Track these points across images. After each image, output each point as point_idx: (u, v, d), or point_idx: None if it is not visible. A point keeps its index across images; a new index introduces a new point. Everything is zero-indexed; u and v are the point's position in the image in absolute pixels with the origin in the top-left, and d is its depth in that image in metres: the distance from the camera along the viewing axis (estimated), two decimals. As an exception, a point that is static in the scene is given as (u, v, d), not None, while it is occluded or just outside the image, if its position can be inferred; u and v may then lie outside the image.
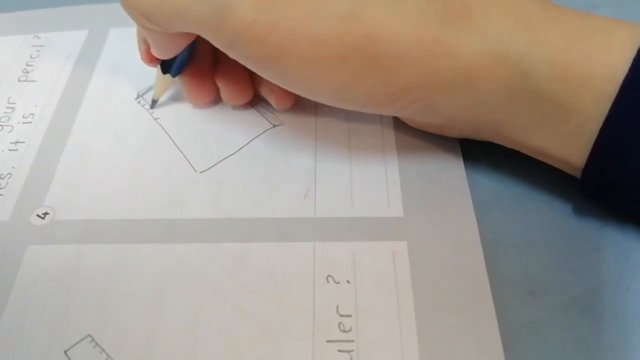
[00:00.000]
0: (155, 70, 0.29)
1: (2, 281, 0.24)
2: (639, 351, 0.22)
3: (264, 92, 0.29)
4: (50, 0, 0.37)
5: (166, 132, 0.30)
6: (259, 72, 0.24)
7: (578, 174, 0.23)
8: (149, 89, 0.32)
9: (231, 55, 0.24)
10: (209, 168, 0.28)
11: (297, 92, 0.25)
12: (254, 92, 0.29)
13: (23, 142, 0.30)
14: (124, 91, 0.32)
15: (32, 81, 0.33)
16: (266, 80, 0.27)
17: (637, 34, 0.21)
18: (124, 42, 0.34)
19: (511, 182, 0.27)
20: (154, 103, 0.31)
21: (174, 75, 0.29)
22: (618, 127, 0.21)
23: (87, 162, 0.28)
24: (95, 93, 0.32)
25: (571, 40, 0.21)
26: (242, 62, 0.24)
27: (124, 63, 0.33)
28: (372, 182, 0.27)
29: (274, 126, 0.30)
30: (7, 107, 0.31)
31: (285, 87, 0.25)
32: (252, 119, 0.30)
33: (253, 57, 0.23)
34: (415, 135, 0.28)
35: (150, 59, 0.29)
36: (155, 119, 0.30)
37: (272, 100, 0.29)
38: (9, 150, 0.29)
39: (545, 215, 0.26)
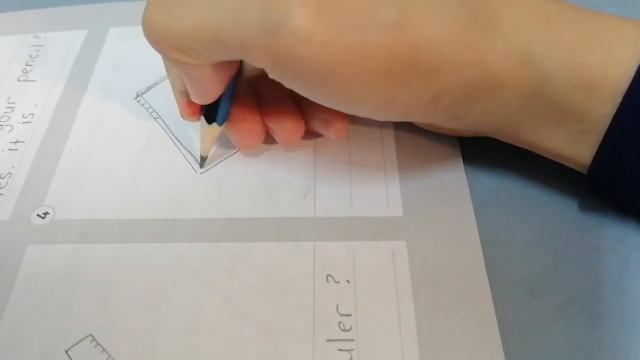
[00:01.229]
0: (200, 125, 0.27)
1: (3, 281, 0.24)
2: (639, 351, 0.22)
3: (317, 126, 0.27)
4: (50, 0, 0.37)
5: (166, 133, 0.30)
6: (297, 90, 0.22)
7: (585, 170, 0.23)
8: (149, 89, 0.32)
9: (272, 76, 0.22)
10: (209, 169, 0.28)
11: (337, 108, 0.23)
12: (305, 126, 0.27)
13: (23, 142, 0.30)
14: (123, 91, 0.32)
15: (32, 81, 0.33)
16: (318, 112, 0.26)
17: None
18: (123, 42, 0.34)
19: (511, 182, 0.27)
20: (203, 161, 0.28)
21: (221, 123, 0.26)
22: (629, 121, 0.21)
23: (87, 162, 0.28)
24: (95, 93, 0.32)
25: (586, 40, 0.21)
26: (283, 82, 0.22)
27: (123, 63, 0.33)
28: (372, 182, 0.27)
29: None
30: (7, 107, 0.31)
31: (324, 104, 0.23)
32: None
33: (300, 76, 0.21)
34: (415, 135, 0.28)
35: (193, 111, 0.26)
36: (155, 119, 0.30)
37: (329, 132, 0.26)
38: (9, 150, 0.29)
39: (545, 215, 0.26)
